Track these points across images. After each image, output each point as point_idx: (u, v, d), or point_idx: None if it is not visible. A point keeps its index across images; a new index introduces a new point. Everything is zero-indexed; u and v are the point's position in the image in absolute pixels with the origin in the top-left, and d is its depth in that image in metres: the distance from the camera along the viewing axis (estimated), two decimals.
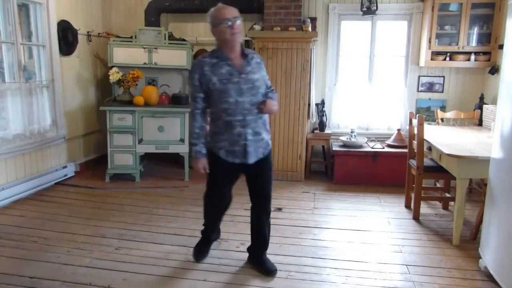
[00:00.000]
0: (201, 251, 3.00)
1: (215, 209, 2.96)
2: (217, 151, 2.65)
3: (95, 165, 5.32)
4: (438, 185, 4.43)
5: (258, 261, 2.86)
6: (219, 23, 2.49)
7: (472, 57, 4.76)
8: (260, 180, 2.74)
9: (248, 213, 3.88)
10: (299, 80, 4.81)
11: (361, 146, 4.96)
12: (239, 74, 2.53)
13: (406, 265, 2.94)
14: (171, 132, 4.76)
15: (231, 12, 2.51)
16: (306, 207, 4.09)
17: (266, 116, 2.69)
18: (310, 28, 4.77)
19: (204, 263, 2.91)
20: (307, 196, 4.45)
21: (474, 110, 4.65)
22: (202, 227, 3.04)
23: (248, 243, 3.22)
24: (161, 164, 5.47)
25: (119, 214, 3.81)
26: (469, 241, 3.32)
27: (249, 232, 3.44)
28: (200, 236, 3.06)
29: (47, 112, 4.52)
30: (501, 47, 4.44)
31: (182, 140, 4.79)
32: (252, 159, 2.62)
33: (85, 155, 5.27)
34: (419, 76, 5.18)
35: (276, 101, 2.66)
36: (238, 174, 2.76)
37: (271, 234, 3.39)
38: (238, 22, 2.49)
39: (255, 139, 2.60)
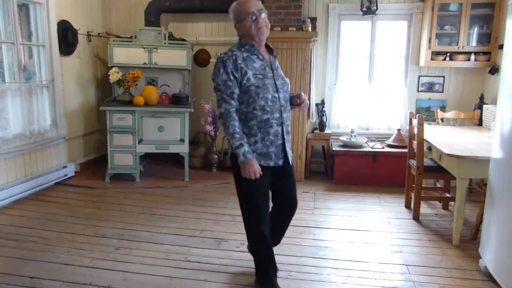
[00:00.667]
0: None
1: (266, 239, 2.51)
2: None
3: (95, 165, 5.33)
4: (438, 185, 4.43)
5: None
6: (243, 18, 2.33)
7: (472, 57, 4.76)
8: (291, 183, 2.59)
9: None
10: (299, 80, 4.81)
11: (361, 146, 4.96)
12: (271, 69, 2.40)
13: (406, 265, 2.94)
14: (171, 132, 4.76)
15: (255, 4, 2.34)
16: (306, 207, 4.09)
17: None
18: (310, 28, 4.77)
19: (204, 263, 2.91)
20: (307, 196, 4.44)
21: (474, 110, 4.65)
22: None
23: None
24: (161, 164, 5.47)
25: (119, 214, 3.81)
26: (469, 241, 3.32)
27: None
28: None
29: (47, 112, 4.52)
30: (501, 47, 4.44)
31: (182, 140, 4.79)
32: (290, 158, 2.47)
33: (85, 155, 5.27)
34: (419, 76, 5.18)
35: None
36: (270, 181, 2.50)
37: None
38: (264, 15, 2.35)
39: (287, 138, 2.45)
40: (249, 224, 2.54)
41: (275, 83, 2.38)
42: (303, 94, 2.52)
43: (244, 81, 2.31)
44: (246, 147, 2.30)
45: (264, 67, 2.38)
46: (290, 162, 2.50)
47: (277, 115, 2.37)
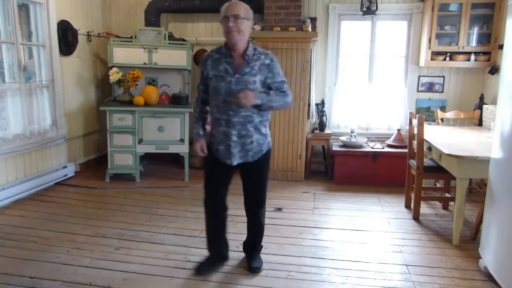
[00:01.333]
0: (202, 264, 2.83)
1: (209, 213, 2.82)
2: (210, 145, 2.67)
3: (95, 165, 5.33)
4: (438, 185, 4.43)
5: (247, 256, 2.93)
6: (220, 20, 2.49)
7: (472, 57, 4.76)
8: (252, 184, 2.74)
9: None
10: (299, 80, 4.81)
11: (361, 146, 4.96)
12: (234, 73, 2.48)
13: (406, 265, 2.94)
14: (171, 132, 4.76)
15: (233, 9, 2.43)
16: (306, 207, 4.09)
17: (262, 118, 2.58)
18: (310, 28, 4.77)
19: None
20: (307, 196, 4.44)
21: (474, 110, 4.65)
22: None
23: None
24: (161, 164, 5.47)
25: (119, 214, 3.81)
26: (469, 241, 3.32)
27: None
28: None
29: (47, 112, 4.52)
30: (501, 47, 4.44)
31: (182, 140, 4.79)
32: (235, 161, 2.59)
33: (85, 155, 5.27)
34: (419, 76, 5.18)
35: (271, 99, 2.49)
36: (231, 174, 2.70)
37: (271, 234, 3.40)
38: (239, 20, 2.41)
39: (240, 141, 2.54)
40: (204, 199, 2.81)
41: (231, 88, 2.46)
42: (245, 93, 2.40)
43: (208, 81, 2.57)
44: (196, 129, 2.69)
45: (227, 71, 2.49)
46: (244, 163, 2.63)
47: (225, 117, 2.52)
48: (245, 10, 2.46)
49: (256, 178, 2.74)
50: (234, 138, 2.53)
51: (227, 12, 2.42)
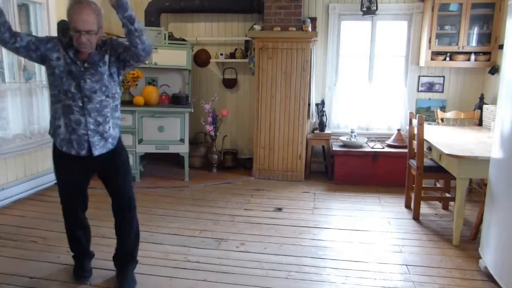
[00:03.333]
0: (77, 271, 2.69)
1: (68, 222, 2.67)
2: (54, 140, 2.41)
3: None
4: (438, 185, 4.43)
5: (118, 273, 2.63)
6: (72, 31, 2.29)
7: (472, 57, 4.76)
8: (119, 178, 2.57)
9: (248, 213, 3.90)
10: (299, 80, 4.81)
11: (361, 146, 4.96)
12: (83, 63, 2.31)
13: (406, 265, 2.94)
14: (171, 132, 4.76)
15: (84, 23, 2.29)
16: (306, 207, 4.09)
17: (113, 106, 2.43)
18: (310, 28, 4.77)
19: (204, 263, 2.91)
20: (307, 196, 4.44)
21: (474, 110, 4.65)
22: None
23: (249, 243, 3.23)
24: (161, 164, 5.47)
25: None
26: (469, 241, 3.32)
27: (250, 232, 3.46)
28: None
29: (47, 112, 4.50)
30: (501, 47, 4.44)
31: (182, 140, 4.79)
32: (99, 150, 2.39)
33: None
34: (419, 76, 5.18)
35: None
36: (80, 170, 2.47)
37: (271, 234, 3.40)
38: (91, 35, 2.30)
39: (97, 129, 2.36)
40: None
41: (83, 74, 2.29)
42: None
43: (53, 61, 2.28)
44: None
45: (76, 61, 2.30)
46: (110, 143, 2.43)
47: (80, 103, 2.29)
48: (97, 19, 2.33)
49: (120, 169, 2.59)
50: (93, 126, 2.35)
51: (79, 26, 2.24)
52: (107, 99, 2.38)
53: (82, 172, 2.49)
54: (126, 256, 2.66)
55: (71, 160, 2.40)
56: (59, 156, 2.43)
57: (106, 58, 2.38)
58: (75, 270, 2.70)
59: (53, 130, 2.40)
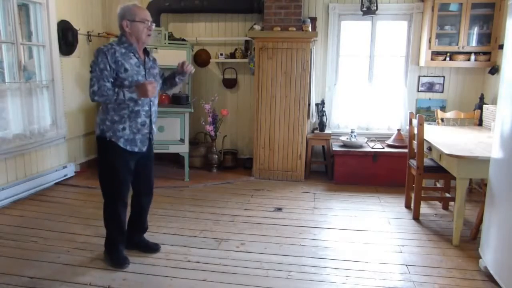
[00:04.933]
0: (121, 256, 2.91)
1: (119, 212, 2.84)
2: (116, 140, 2.69)
3: (95, 165, 5.30)
4: (438, 185, 4.43)
5: (142, 243, 3.07)
6: (138, 21, 2.65)
7: (472, 57, 4.76)
8: (150, 166, 2.96)
9: (249, 213, 3.90)
10: (299, 80, 4.81)
11: (361, 146, 4.96)
12: (144, 68, 2.73)
13: (406, 265, 2.94)
14: (171, 132, 4.76)
15: (150, 14, 2.74)
16: (306, 207, 4.09)
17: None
18: (310, 28, 4.77)
19: (204, 263, 2.91)
20: (307, 196, 4.45)
21: (474, 110, 4.65)
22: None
23: (249, 243, 3.23)
24: (161, 164, 5.46)
25: None
26: (469, 241, 3.32)
27: (250, 232, 3.46)
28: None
29: (47, 112, 4.51)
30: (501, 47, 4.44)
31: (182, 140, 4.79)
32: (151, 145, 2.89)
33: (85, 155, 5.27)
34: (419, 76, 5.18)
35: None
36: (133, 165, 2.85)
37: (271, 234, 3.43)
38: (153, 26, 2.75)
39: (154, 128, 2.87)
40: (110, 198, 2.82)
41: (147, 80, 2.69)
42: (185, 61, 3.00)
43: (121, 72, 2.60)
44: (130, 90, 2.60)
45: (139, 65, 2.69)
46: (152, 147, 2.92)
47: (146, 108, 2.74)
48: None
49: (152, 159, 3.03)
50: (152, 126, 2.85)
51: (148, 17, 2.70)
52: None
53: (133, 163, 2.84)
54: (145, 227, 3.10)
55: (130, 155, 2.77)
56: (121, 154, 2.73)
57: (156, 69, 2.92)
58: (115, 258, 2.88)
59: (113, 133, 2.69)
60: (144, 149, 2.80)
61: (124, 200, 2.83)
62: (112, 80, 2.59)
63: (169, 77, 3.05)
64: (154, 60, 2.92)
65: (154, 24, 2.74)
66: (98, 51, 2.59)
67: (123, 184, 2.79)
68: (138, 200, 3.00)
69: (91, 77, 2.58)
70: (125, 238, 2.95)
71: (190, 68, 2.99)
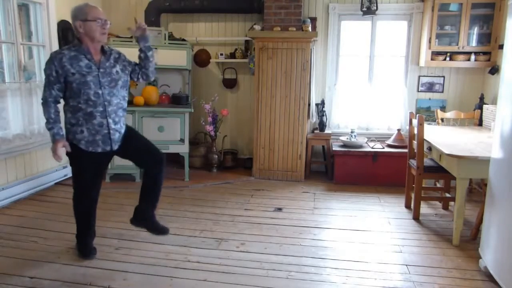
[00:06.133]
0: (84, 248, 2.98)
1: (84, 208, 2.93)
2: (77, 143, 2.75)
3: None
4: (438, 185, 4.43)
5: (150, 220, 3.09)
6: (90, 20, 2.62)
7: (472, 57, 4.76)
8: (139, 141, 3.00)
9: (249, 213, 3.90)
10: (299, 80, 4.81)
11: (361, 146, 4.96)
12: (98, 68, 2.70)
13: (406, 265, 2.94)
14: (171, 132, 4.76)
15: (103, 13, 2.72)
16: (306, 207, 4.09)
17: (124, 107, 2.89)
18: (310, 28, 4.77)
19: (204, 263, 2.91)
20: (307, 196, 4.45)
21: (474, 110, 4.65)
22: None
23: (249, 243, 3.23)
24: None
25: (119, 214, 3.80)
26: (469, 241, 3.32)
27: (250, 232, 3.46)
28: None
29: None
30: (501, 47, 4.44)
31: (182, 140, 4.79)
32: (119, 137, 2.86)
33: None
34: (419, 76, 5.18)
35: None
36: (101, 163, 2.92)
37: (271, 234, 3.42)
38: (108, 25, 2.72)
39: (115, 127, 2.81)
40: (76, 194, 2.90)
41: (99, 81, 2.69)
42: (136, 21, 2.88)
43: (69, 76, 2.62)
44: (55, 130, 2.69)
45: (90, 65, 2.68)
46: (122, 134, 2.89)
47: (100, 108, 2.70)
48: None
49: (136, 136, 3.07)
50: (113, 125, 2.78)
51: (101, 15, 2.67)
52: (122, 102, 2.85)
53: (103, 163, 2.94)
54: (156, 199, 3.09)
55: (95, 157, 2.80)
56: (83, 156, 2.78)
57: (118, 67, 2.83)
58: (81, 249, 2.96)
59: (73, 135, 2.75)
60: (108, 148, 2.80)
61: (89, 196, 2.90)
62: (59, 85, 2.66)
63: (138, 57, 2.97)
64: (117, 57, 2.86)
65: (109, 22, 2.71)
66: (48, 59, 2.67)
67: (87, 182, 2.85)
68: (149, 173, 3.01)
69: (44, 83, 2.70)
70: (93, 232, 3.02)
71: (140, 23, 2.88)
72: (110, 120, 2.75)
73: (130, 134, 2.97)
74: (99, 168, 2.91)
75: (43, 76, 4.35)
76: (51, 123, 2.70)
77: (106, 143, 2.78)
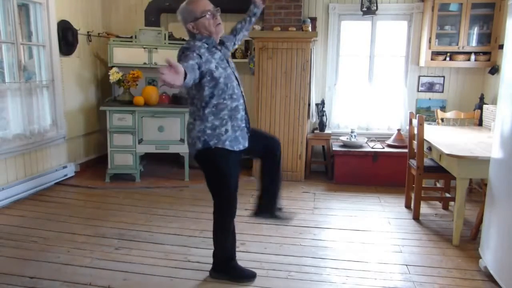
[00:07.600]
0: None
1: (232, 222, 2.67)
2: (222, 145, 2.45)
3: (95, 165, 5.32)
4: (438, 185, 4.43)
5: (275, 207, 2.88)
6: (200, 16, 2.37)
7: (472, 57, 4.76)
8: (258, 134, 2.74)
9: (249, 213, 3.90)
10: (299, 80, 4.81)
11: (361, 146, 4.96)
12: (225, 59, 2.51)
13: (406, 265, 2.94)
14: (171, 132, 4.76)
15: (208, 3, 2.42)
16: (306, 207, 4.09)
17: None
18: (310, 28, 4.77)
19: (204, 263, 2.90)
20: (307, 196, 4.44)
21: (474, 110, 4.65)
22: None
23: (249, 243, 3.23)
24: (161, 164, 5.46)
25: (119, 214, 3.81)
26: (469, 241, 3.32)
27: (250, 232, 3.46)
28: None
29: (47, 112, 4.51)
30: (501, 47, 4.44)
31: (182, 140, 4.79)
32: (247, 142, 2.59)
33: (85, 155, 5.27)
34: (419, 76, 5.18)
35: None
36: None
37: (271, 234, 3.43)
38: (219, 13, 2.45)
39: (248, 119, 2.59)
40: (225, 210, 2.60)
41: (233, 72, 2.51)
42: None
43: (211, 67, 2.33)
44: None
45: (223, 58, 2.47)
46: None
47: (241, 100, 2.50)
48: None
49: (254, 130, 2.71)
50: (247, 118, 2.58)
51: (207, 6, 2.40)
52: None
53: (239, 166, 2.61)
54: (278, 190, 2.84)
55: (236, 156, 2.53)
56: (230, 157, 2.49)
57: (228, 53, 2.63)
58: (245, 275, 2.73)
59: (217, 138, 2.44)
60: (246, 144, 2.54)
61: (236, 206, 2.62)
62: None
63: (248, 16, 2.79)
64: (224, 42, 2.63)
65: (218, 9, 2.43)
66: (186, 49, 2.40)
67: (235, 190, 2.57)
68: (272, 158, 2.68)
69: None
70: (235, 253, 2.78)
71: (260, 2, 2.76)
72: (247, 112, 2.57)
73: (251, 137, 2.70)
74: (239, 172, 2.61)
75: (43, 76, 4.44)
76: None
77: (245, 139, 2.53)
